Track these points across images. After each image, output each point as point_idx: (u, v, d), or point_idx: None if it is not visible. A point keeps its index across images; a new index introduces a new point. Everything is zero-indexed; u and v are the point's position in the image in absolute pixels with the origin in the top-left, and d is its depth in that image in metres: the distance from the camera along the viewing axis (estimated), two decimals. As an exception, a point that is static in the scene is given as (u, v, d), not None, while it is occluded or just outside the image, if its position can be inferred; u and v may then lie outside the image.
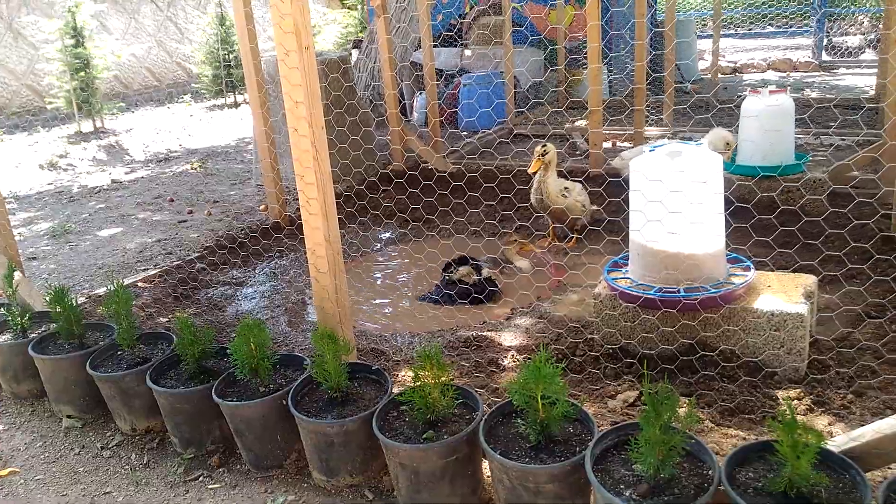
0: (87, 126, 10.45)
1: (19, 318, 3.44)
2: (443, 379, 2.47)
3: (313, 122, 2.94)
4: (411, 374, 2.44)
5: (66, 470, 2.87)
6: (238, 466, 2.77)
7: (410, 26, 9.50)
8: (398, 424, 2.50)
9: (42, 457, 2.97)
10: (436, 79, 7.23)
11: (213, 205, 6.29)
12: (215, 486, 2.68)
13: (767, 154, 4.94)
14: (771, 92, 4.93)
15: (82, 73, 10.15)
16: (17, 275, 3.67)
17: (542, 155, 4.66)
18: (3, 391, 3.45)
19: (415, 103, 9.65)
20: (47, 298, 3.37)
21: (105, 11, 13.36)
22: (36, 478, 2.84)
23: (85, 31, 10.37)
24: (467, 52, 10.42)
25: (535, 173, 4.69)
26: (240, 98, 12.82)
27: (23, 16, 12.25)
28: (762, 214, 3.94)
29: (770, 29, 17.14)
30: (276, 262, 4.91)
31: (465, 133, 8.56)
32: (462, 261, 4.30)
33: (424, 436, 2.38)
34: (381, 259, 5.05)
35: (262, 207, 6.03)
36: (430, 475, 2.35)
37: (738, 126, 5.18)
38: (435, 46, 8.10)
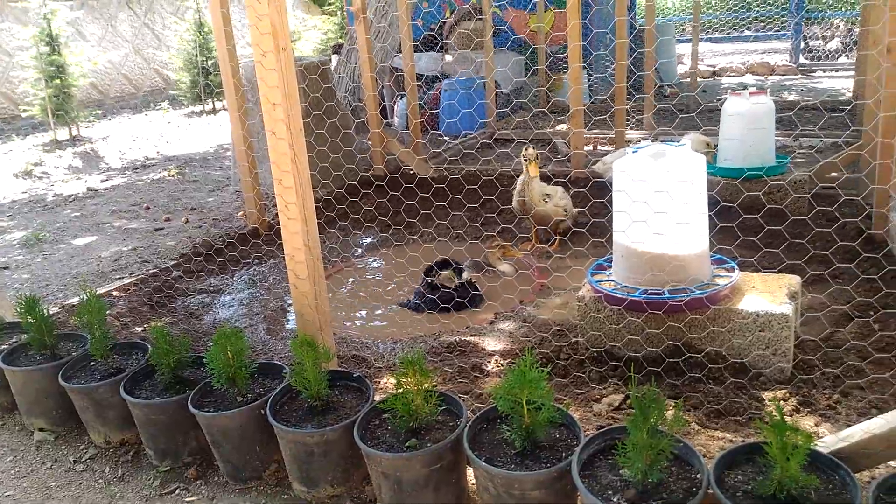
0: (62, 134, 10.28)
1: (-12, 330, 3.33)
2: (425, 385, 2.41)
3: (291, 125, 2.88)
4: (393, 380, 2.39)
5: (38, 485, 2.78)
6: (216, 478, 2.69)
7: (391, 29, 9.47)
8: (380, 433, 2.44)
9: (12, 472, 2.87)
10: (416, 83, 7.20)
11: (190, 212, 6.18)
12: (192, 498, 2.59)
13: (749, 155, 4.95)
14: (751, 94, 4.94)
15: (58, 81, 9.98)
16: (-14, 285, 3.57)
17: (536, 158, 4.65)
18: (-29, 405, 3.34)
19: (395, 107, 9.61)
20: (18, 309, 3.27)
21: (81, 18, 13.18)
22: (6, 494, 2.74)
23: (60, 37, 10.20)
24: (448, 57, 10.41)
25: (533, 178, 4.67)
26: (218, 105, 12.70)
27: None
28: (747, 215, 3.93)
29: (748, 33, 17.34)
30: (254, 269, 4.83)
31: (446, 137, 8.53)
32: (444, 264, 4.25)
33: (407, 444, 2.32)
34: (362, 264, 4.99)
35: (240, 214, 5.94)
36: (414, 484, 2.29)
37: (718, 129, 5.19)
38: (415, 50, 8.07)
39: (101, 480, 2.76)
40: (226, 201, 6.47)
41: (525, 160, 4.68)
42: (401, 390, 2.39)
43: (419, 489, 2.30)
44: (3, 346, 3.30)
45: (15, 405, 3.22)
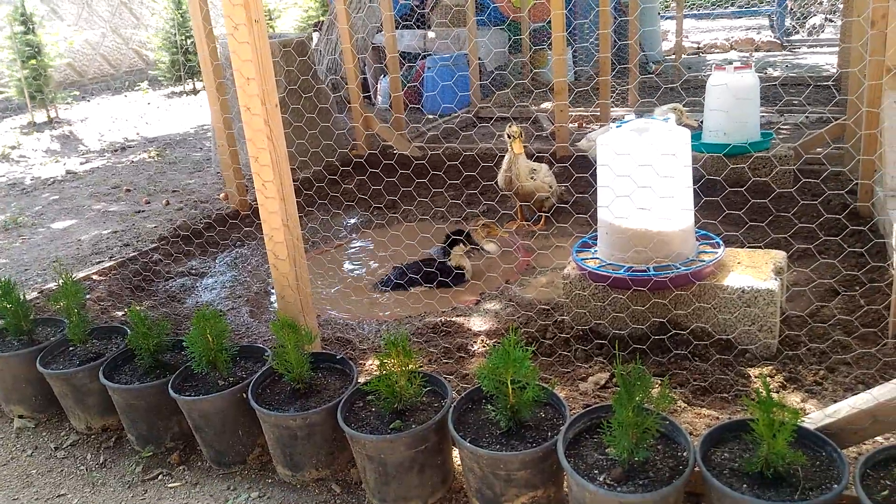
0: (40, 116, 10.07)
1: (-38, 316, 3.26)
2: (410, 366, 2.38)
3: (266, 100, 2.80)
4: (378, 362, 2.35)
5: (18, 473, 2.73)
6: (199, 463, 2.66)
7: (373, 6, 9.31)
8: (364, 415, 2.41)
9: (-9, 460, 2.82)
10: (399, 61, 7.09)
11: (171, 194, 6.08)
12: (175, 484, 2.56)
13: (734, 130, 4.93)
14: (736, 68, 4.90)
15: (34, 62, 9.76)
16: (-40, 270, 3.49)
17: (520, 135, 4.60)
18: (-53, 393, 3.27)
19: (379, 86, 9.48)
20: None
21: (56, -4, 12.88)
22: (-16, 483, 2.69)
23: (35, 17, 9.96)
24: (430, 34, 10.27)
25: (518, 154, 4.62)
26: (199, 85, 12.48)
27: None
28: (731, 189, 3.92)
29: (732, 9, 17.24)
30: (236, 251, 4.76)
31: (430, 115, 8.43)
32: (458, 233, 4.17)
33: (392, 426, 2.30)
34: (346, 245, 4.93)
35: (221, 196, 5.85)
36: (398, 466, 2.27)
37: (703, 104, 5.15)
38: (397, 27, 7.94)
39: (82, 467, 2.72)
40: (207, 183, 6.37)
41: (509, 137, 4.63)
42: (384, 372, 2.36)
43: (404, 471, 2.27)
44: (-22, 333, 3.23)
45: (-8, 393, 3.16)
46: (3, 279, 3.20)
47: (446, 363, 3.04)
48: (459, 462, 2.32)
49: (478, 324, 3.46)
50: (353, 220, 5.27)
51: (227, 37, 2.78)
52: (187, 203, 5.75)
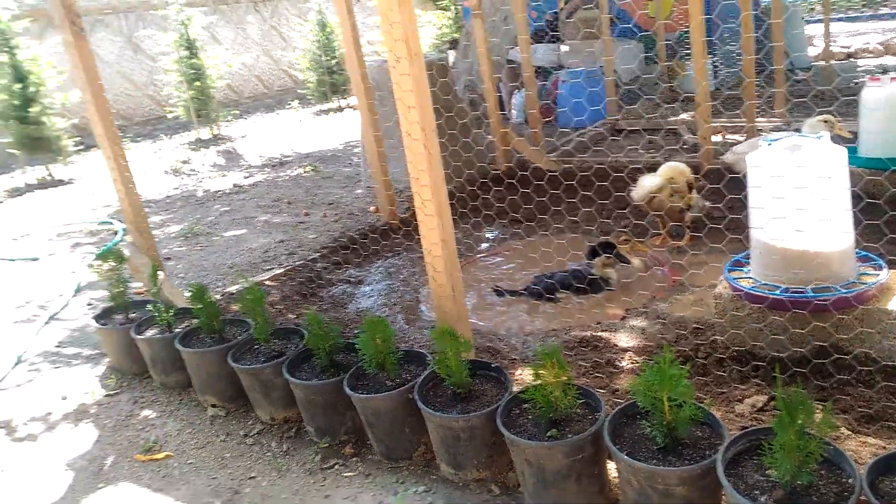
0: (205, 133, 11.14)
1: (165, 315, 3.76)
2: (564, 378, 2.51)
3: (425, 126, 3.03)
4: (528, 372, 2.50)
5: (214, 455, 3.13)
6: (370, 456, 2.93)
7: (504, 24, 9.54)
8: (521, 422, 2.56)
9: (192, 442, 3.25)
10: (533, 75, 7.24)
11: (327, 206, 6.58)
12: (350, 474, 2.85)
13: (893, 146, 4.65)
14: (893, 79, 4.64)
15: (198, 83, 10.80)
16: (159, 274, 4.01)
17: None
18: (154, 382, 3.78)
19: (512, 100, 9.68)
20: (186, 295, 3.65)
21: (215, 23, 14.13)
22: (188, 461, 3.11)
23: (197, 42, 11.02)
24: (564, 48, 10.35)
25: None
26: (343, 102, 13.26)
27: (140, 30, 13.17)
28: (893, 211, 3.73)
29: (885, 10, 15.95)
30: (389, 262, 5.10)
31: (565, 130, 8.52)
32: (604, 245, 4.29)
33: (548, 433, 2.43)
34: (491, 258, 5.14)
35: (372, 209, 6.25)
36: (556, 473, 2.41)
37: (857, 116, 4.90)
38: (531, 43, 8.08)
39: (268, 453, 3.07)
40: (358, 197, 6.83)
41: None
42: (539, 382, 2.51)
43: (562, 478, 2.41)
44: (177, 330, 3.71)
45: (190, 383, 3.62)
46: (196, 283, 3.66)
47: (597, 377, 3.14)
48: (614, 474, 2.42)
49: (625, 339, 3.54)
50: (494, 234, 5.49)
51: (389, 69, 3.04)
52: (342, 215, 6.21)
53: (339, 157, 8.90)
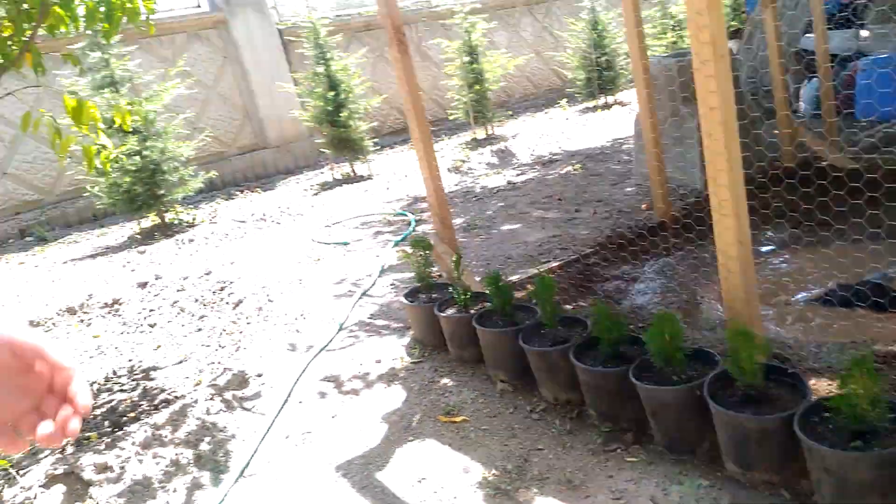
0: (480, 133, 11.96)
1: (463, 296, 4.24)
2: (874, 389, 2.40)
3: (727, 127, 3.07)
4: (823, 383, 2.43)
5: (504, 425, 3.49)
6: (651, 446, 3.05)
7: (798, 11, 8.78)
8: (820, 430, 2.50)
9: (484, 411, 3.65)
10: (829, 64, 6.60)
11: (597, 203, 6.75)
12: (632, 459, 3.00)
13: None
14: None
15: (477, 87, 11.61)
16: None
17: None
18: (450, 354, 4.29)
19: (802, 91, 8.90)
20: (478, 280, 4.08)
21: (493, 28, 15.00)
22: (482, 427, 3.51)
23: (478, 48, 11.84)
24: (864, 33, 9.22)
25: None
26: (610, 99, 13.27)
27: (427, 40, 14.46)
28: None
29: None
30: (663, 261, 5.10)
31: (864, 123, 7.61)
32: None
33: (853, 444, 2.35)
34: (773, 260, 4.90)
35: (643, 206, 6.27)
36: (860, 486, 2.32)
37: None
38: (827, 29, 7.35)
39: (552, 430, 3.35)
40: (627, 194, 6.89)
41: None
42: (844, 391, 2.42)
43: (865, 492, 2.31)
44: (472, 311, 4.16)
45: (481, 358, 4.04)
46: (492, 271, 4.08)
47: (907, 395, 2.90)
48: (932, 496, 2.26)
49: (943, 359, 3.19)
50: (780, 235, 5.19)
51: (694, 71, 3.11)
52: (612, 212, 6.33)
53: (608, 154, 8.99)
